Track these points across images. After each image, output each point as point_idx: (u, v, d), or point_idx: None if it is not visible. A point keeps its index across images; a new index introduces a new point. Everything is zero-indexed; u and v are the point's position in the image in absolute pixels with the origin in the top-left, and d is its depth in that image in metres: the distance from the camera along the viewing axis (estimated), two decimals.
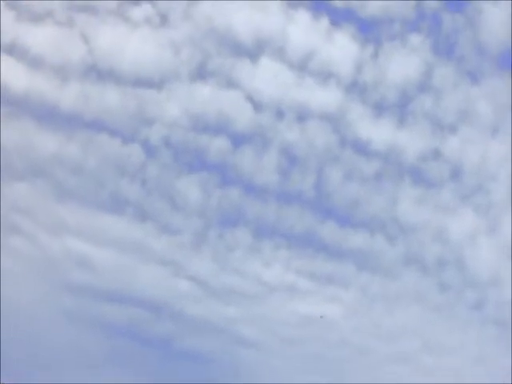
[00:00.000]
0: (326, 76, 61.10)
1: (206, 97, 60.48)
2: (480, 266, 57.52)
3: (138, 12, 60.36)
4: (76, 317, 54.07)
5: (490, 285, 57.05)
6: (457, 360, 54.96)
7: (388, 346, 56.09)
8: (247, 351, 55.94)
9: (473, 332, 56.35)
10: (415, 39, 61.44)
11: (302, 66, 61.05)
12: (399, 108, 61.45)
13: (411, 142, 60.76)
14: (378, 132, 60.91)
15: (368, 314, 57.46)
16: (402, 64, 61.45)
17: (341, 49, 61.65)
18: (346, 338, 56.38)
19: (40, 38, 57.77)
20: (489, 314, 56.51)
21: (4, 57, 57.04)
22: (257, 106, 60.64)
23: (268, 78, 61.13)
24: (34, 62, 57.42)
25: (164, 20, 60.76)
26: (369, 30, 62.07)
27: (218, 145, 60.03)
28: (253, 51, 60.82)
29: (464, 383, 51.19)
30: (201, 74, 60.60)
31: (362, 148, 60.74)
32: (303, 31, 61.66)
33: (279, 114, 60.84)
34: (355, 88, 61.43)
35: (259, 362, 55.58)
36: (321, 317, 55.60)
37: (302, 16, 61.52)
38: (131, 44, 59.85)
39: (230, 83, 60.70)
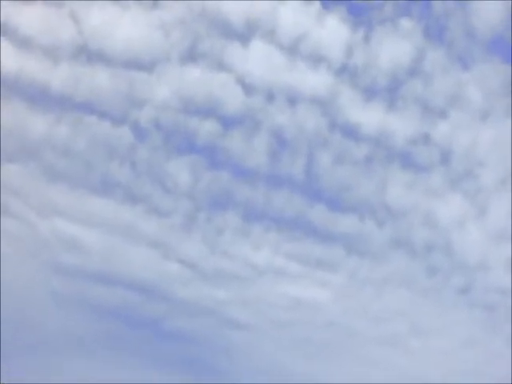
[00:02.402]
0: (316, 59, 61.09)
1: (197, 79, 60.38)
2: (468, 250, 57.94)
3: None
4: (65, 299, 54.25)
5: (478, 269, 57.51)
6: (444, 343, 55.48)
7: (376, 329, 56.54)
8: (237, 333, 56.29)
9: (460, 315, 56.82)
10: (406, 23, 61.45)
11: (293, 49, 61.02)
12: (389, 92, 61.57)
13: (401, 126, 60.92)
14: (368, 116, 61.01)
15: (356, 297, 57.84)
16: (393, 48, 61.47)
17: (332, 32, 61.55)
18: (334, 320, 56.79)
19: (29, 18, 57.41)
20: (476, 297, 57.00)
21: None
22: (247, 88, 60.65)
23: (259, 60, 61.04)
24: (23, 43, 57.19)
25: (155, 1, 60.51)
26: (360, 14, 62.08)
27: (208, 127, 60.04)
28: (244, 33, 60.72)
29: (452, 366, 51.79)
30: (191, 56, 60.49)
31: (351, 132, 60.90)
32: (294, 14, 61.52)
33: (270, 97, 60.86)
34: (346, 72, 61.48)
35: (249, 343, 55.96)
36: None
37: None
38: (122, 25, 59.59)
39: (221, 66, 60.64)
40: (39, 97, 57.62)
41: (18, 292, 52.53)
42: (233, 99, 60.44)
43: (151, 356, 53.91)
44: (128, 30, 59.41)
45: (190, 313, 55.84)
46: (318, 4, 61.44)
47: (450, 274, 57.86)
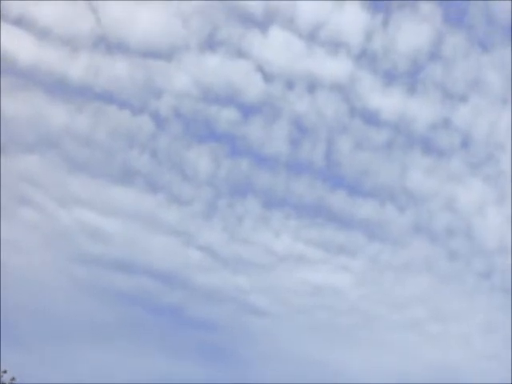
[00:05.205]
0: (335, 45, 60.94)
1: (216, 67, 60.52)
2: (488, 234, 57.73)
3: None
4: (87, 287, 54.80)
5: (498, 253, 57.28)
6: (464, 328, 55.40)
7: (396, 314, 56.59)
8: (257, 320, 56.58)
9: (480, 300, 56.67)
10: (426, 7, 61.08)
11: (312, 36, 60.91)
12: (409, 77, 61.35)
13: (421, 111, 60.70)
14: (388, 101, 60.83)
15: (377, 282, 57.89)
16: (413, 33, 61.15)
17: (351, 18, 61.35)
18: (355, 306, 56.89)
19: (48, 9, 57.76)
20: (496, 282, 56.82)
21: (13, 29, 57.27)
22: (267, 76, 60.70)
23: (278, 48, 61.02)
24: (43, 34, 57.48)
25: None
26: None
27: (227, 115, 60.20)
28: (262, 21, 60.69)
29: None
30: (210, 44, 60.60)
31: (371, 117, 60.78)
32: (313, 1, 61.41)
33: (289, 84, 60.90)
34: (365, 57, 61.32)
35: (269, 330, 56.20)
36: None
37: None
38: (140, 15, 59.78)
39: (240, 53, 60.72)
40: (59, 87, 58.16)
41: (41, 281, 53.22)
42: (252, 87, 60.62)
43: (173, 343, 54.45)
44: (146, 19, 59.65)
45: (210, 300, 56.28)
46: None
47: (471, 259, 57.81)
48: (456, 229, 58.57)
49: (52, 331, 52.52)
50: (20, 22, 57.14)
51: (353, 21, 61.28)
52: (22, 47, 56.76)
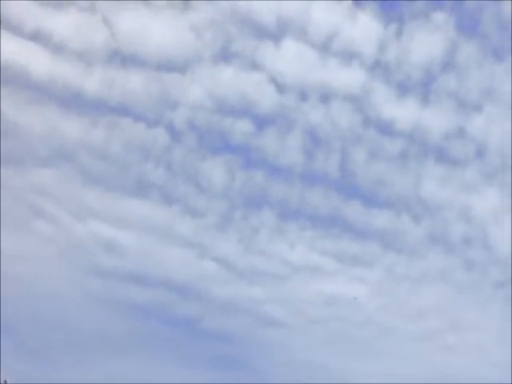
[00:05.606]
0: (349, 56, 61.05)
1: (229, 79, 60.73)
2: (504, 243, 57.31)
3: None
4: (102, 300, 54.90)
5: None
6: (481, 337, 55.00)
7: (413, 325, 56.29)
8: (273, 331, 56.47)
9: (497, 310, 56.25)
10: (439, 17, 61.08)
11: (325, 47, 61.04)
12: (423, 87, 61.29)
13: (435, 120, 60.60)
14: (402, 111, 60.80)
15: (393, 293, 57.65)
16: (426, 42, 61.14)
17: (364, 28, 61.43)
18: (371, 317, 56.66)
19: (63, 23, 58.25)
20: None
21: (28, 43, 57.75)
22: (280, 87, 60.83)
23: (291, 59, 61.18)
24: (58, 48, 58.00)
25: (186, 3, 60.95)
26: (392, 9, 61.88)
27: (241, 127, 60.36)
28: (275, 33, 60.91)
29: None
30: (224, 56, 60.85)
31: (385, 128, 60.75)
32: (326, 11, 61.53)
33: (302, 95, 60.99)
34: (378, 68, 61.36)
35: (285, 341, 56.05)
36: (355, 298, 55.87)
37: None
38: (154, 28, 60.15)
39: (253, 65, 60.93)
40: (73, 101, 58.56)
41: (55, 293, 53.36)
42: (266, 98, 60.75)
43: (188, 355, 54.38)
44: (160, 32, 59.99)
45: (226, 311, 56.23)
46: (349, 1, 61.50)
47: (487, 268, 57.45)
48: (472, 238, 58.40)
49: (66, 343, 52.70)
50: (35, 36, 57.78)
51: (366, 31, 61.40)
52: (37, 62, 57.27)
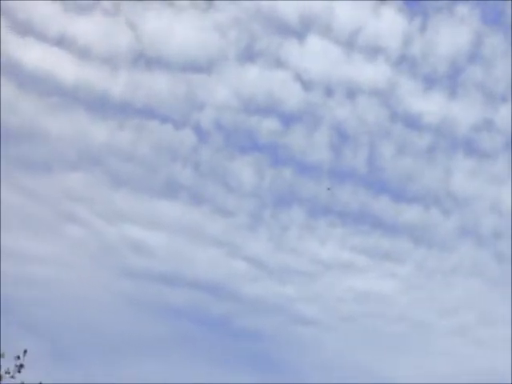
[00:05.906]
0: (374, 51, 60.85)
1: (255, 78, 60.79)
2: None
3: None
4: (134, 301, 55.23)
5: None
6: None
7: (445, 320, 56.12)
8: (305, 329, 56.52)
9: None
10: (463, 9, 60.74)
11: (350, 43, 60.89)
12: (450, 80, 60.99)
13: (463, 113, 60.32)
14: (429, 105, 60.54)
15: (424, 288, 57.49)
16: (451, 35, 60.85)
17: (388, 23, 61.23)
18: (402, 313, 56.54)
19: (87, 28, 58.62)
20: None
21: (53, 49, 58.18)
22: (306, 84, 60.78)
23: (316, 56, 61.12)
24: (83, 53, 58.34)
25: (209, 3, 61.06)
26: (416, 3, 61.60)
27: (268, 125, 60.40)
28: (299, 30, 60.85)
29: None
30: (248, 55, 60.89)
31: (413, 122, 60.52)
32: (350, 7, 61.38)
33: (328, 91, 60.90)
34: (404, 62, 61.11)
35: (317, 339, 56.08)
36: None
37: None
38: (178, 29, 60.34)
39: (278, 63, 60.92)
40: (100, 105, 58.88)
41: (87, 296, 53.79)
42: (292, 96, 60.73)
43: (221, 354, 54.55)
44: (184, 33, 60.19)
45: (257, 310, 56.33)
46: None
47: None
48: (502, 231, 58.03)
49: (100, 345, 53.07)
50: (60, 42, 58.14)
51: (390, 25, 61.17)
52: (62, 67, 57.68)
